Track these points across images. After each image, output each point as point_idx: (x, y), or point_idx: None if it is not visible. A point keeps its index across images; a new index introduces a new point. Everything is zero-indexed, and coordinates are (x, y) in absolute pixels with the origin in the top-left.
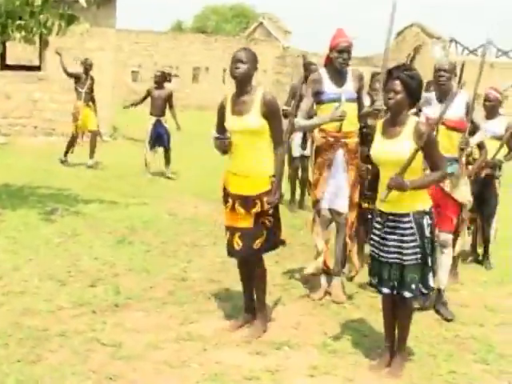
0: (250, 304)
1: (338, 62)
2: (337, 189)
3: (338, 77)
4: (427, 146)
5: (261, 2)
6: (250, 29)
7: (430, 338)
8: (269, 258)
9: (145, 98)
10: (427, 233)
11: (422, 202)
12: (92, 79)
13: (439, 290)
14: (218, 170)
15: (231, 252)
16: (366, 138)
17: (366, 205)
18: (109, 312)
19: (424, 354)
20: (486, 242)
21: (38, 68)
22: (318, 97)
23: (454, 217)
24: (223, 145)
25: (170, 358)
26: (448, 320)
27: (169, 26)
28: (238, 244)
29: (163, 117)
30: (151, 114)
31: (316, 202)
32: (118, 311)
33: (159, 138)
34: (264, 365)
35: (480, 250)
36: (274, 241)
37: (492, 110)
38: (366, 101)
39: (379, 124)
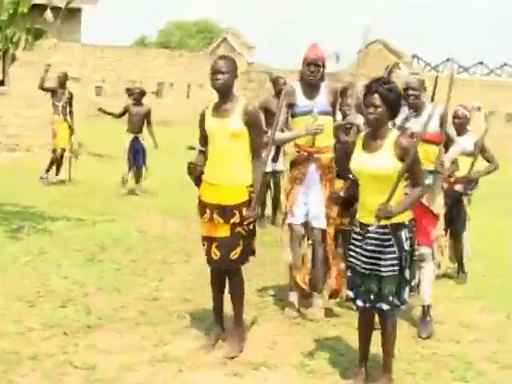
0: (220, 317)
1: (306, 74)
2: (311, 204)
3: (311, 90)
4: (411, 165)
5: (225, 17)
6: (213, 44)
7: (407, 355)
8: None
9: (122, 114)
10: (406, 246)
11: (402, 214)
12: (70, 93)
13: (423, 307)
14: (184, 186)
15: (210, 262)
16: (339, 152)
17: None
18: (81, 333)
19: (402, 372)
20: (459, 259)
21: (1, 83)
22: (291, 109)
23: (431, 229)
24: (195, 170)
25: (145, 381)
26: (420, 337)
27: (132, 40)
28: (215, 254)
29: (140, 134)
30: (128, 131)
31: (285, 216)
32: (90, 332)
33: (135, 155)
34: None
35: (452, 265)
36: (249, 251)
37: (461, 127)
38: (338, 115)
39: (360, 137)
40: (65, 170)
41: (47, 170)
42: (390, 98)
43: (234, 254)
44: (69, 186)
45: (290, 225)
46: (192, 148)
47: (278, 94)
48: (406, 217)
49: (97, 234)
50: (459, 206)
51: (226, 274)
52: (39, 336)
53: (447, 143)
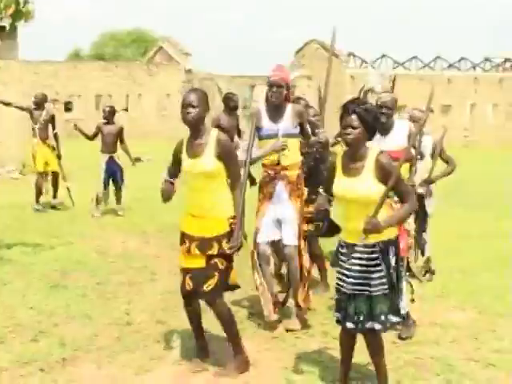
0: (202, 345)
1: (269, 95)
2: (283, 222)
3: (276, 113)
4: (395, 184)
5: (159, 26)
6: (150, 53)
7: (391, 362)
8: None
9: (95, 135)
10: (393, 262)
11: (388, 231)
12: (51, 115)
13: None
14: (137, 201)
15: (182, 292)
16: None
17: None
18: (58, 368)
19: (389, 380)
20: (427, 258)
21: None
22: (257, 132)
23: (402, 243)
24: (169, 190)
25: None
26: (401, 338)
27: (66, 55)
28: (188, 285)
29: (115, 153)
30: (103, 152)
31: (255, 234)
32: (66, 365)
33: (113, 175)
34: None
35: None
36: (226, 282)
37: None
38: None
39: (338, 159)
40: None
41: (37, 200)
42: (367, 119)
43: (208, 286)
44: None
45: (258, 244)
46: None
47: (230, 109)
48: (392, 233)
49: (57, 259)
50: (421, 208)
51: (197, 302)
52: (15, 375)
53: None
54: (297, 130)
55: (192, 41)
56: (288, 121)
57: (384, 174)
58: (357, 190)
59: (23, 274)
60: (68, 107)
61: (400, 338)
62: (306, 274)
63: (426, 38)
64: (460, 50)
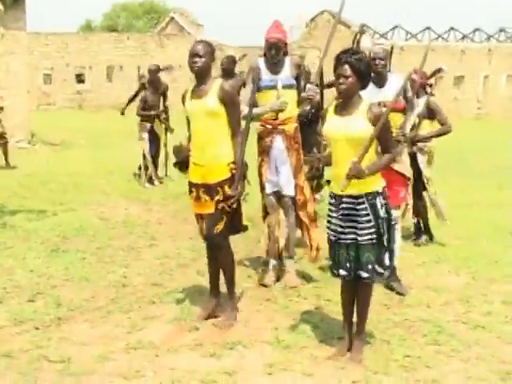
0: (214, 289)
1: (268, 55)
2: (280, 173)
3: (275, 65)
4: (382, 131)
5: None
6: (161, 24)
7: (379, 323)
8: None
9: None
10: (381, 213)
11: (375, 183)
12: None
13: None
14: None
15: (202, 236)
16: (313, 122)
17: None
18: (52, 326)
19: (377, 340)
20: (424, 219)
21: None
22: (256, 84)
23: (401, 190)
24: (180, 150)
25: (123, 369)
26: (401, 294)
27: (78, 26)
28: (203, 229)
29: (155, 122)
30: (145, 121)
31: (262, 189)
32: (61, 325)
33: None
34: (220, 367)
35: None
36: (234, 225)
37: (416, 92)
38: None
39: (331, 107)
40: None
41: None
42: (360, 68)
43: (217, 229)
44: (26, 178)
45: (265, 195)
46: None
47: (226, 74)
48: (379, 185)
49: (59, 225)
50: (416, 167)
51: (213, 248)
52: (10, 332)
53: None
54: (294, 82)
55: (204, 12)
56: (287, 72)
57: (375, 120)
58: (345, 127)
59: (25, 238)
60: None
61: (398, 293)
62: (310, 223)
63: (439, 9)
64: (475, 21)
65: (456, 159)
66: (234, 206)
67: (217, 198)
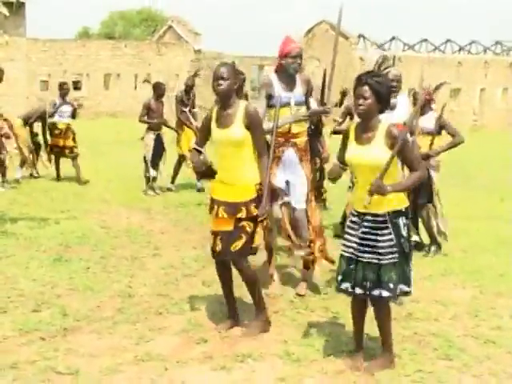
0: (232, 308)
1: (292, 67)
2: (292, 186)
3: (288, 82)
4: (403, 151)
5: (167, 6)
6: (159, 32)
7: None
8: (213, 265)
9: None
10: (404, 232)
11: (398, 201)
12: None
13: None
14: (141, 178)
15: (213, 254)
16: (314, 135)
17: None
18: (59, 337)
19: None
20: (430, 233)
21: None
22: (270, 100)
23: None
24: (198, 159)
25: (132, 382)
26: (398, 305)
27: (75, 33)
28: (217, 246)
29: (162, 130)
30: (151, 129)
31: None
32: (68, 335)
33: (158, 153)
34: (231, 380)
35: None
36: (252, 246)
37: (421, 108)
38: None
39: (351, 130)
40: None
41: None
42: (379, 91)
43: (235, 247)
44: (26, 185)
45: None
46: (147, 81)
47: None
48: (402, 204)
49: (61, 233)
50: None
51: (229, 265)
52: (16, 343)
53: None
54: (304, 99)
55: (201, 21)
56: (299, 89)
57: (394, 142)
58: (367, 156)
59: (27, 247)
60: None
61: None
62: (319, 231)
63: (436, 21)
64: (471, 34)
65: (455, 170)
66: (252, 223)
67: (239, 215)
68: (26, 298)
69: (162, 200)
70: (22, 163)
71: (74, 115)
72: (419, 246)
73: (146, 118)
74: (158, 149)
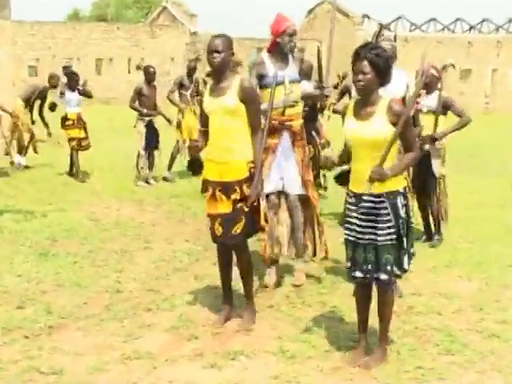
0: (229, 294)
1: (289, 45)
2: (286, 172)
3: (281, 61)
4: (404, 130)
5: None
6: (153, 14)
7: (389, 332)
8: (206, 259)
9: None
10: (402, 213)
11: (396, 182)
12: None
13: None
14: (133, 168)
15: (214, 238)
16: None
17: None
18: (43, 335)
19: (387, 350)
20: (435, 221)
21: None
22: (262, 80)
23: None
24: (196, 149)
25: (118, 381)
26: (398, 297)
27: (65, 15)
28: (218, 230)
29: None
30: (143, 115)
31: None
32: (53, 333)
33: (151, 140)
34: (222, 379)
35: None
36: (252, 226)
37: (428, 86)
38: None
39: (350, 106)
40: None
41: (169, 168)
42: (378, 64)
43: (236, 229)
44: (12, 175)
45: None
46: (139, 67)
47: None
48: (400, 184)
49: (48, 226)
50: (429, 166)
51: (230, 250)
52: None
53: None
54: (299, 77)
55: (197, 1)
56: (292, 67)
57: (396, 119)
58: (367, 131)
59: (12, 241)
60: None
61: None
62: (318, 223)
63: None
64: (482, 11)
65: (465, 156)
66: (255, 203)
67: (233, 197)
68: (9, 295)
69: (155, 191)
70: (21, 149)
71: (89, 95)
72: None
73: (137, 103)
74: (151, 136)
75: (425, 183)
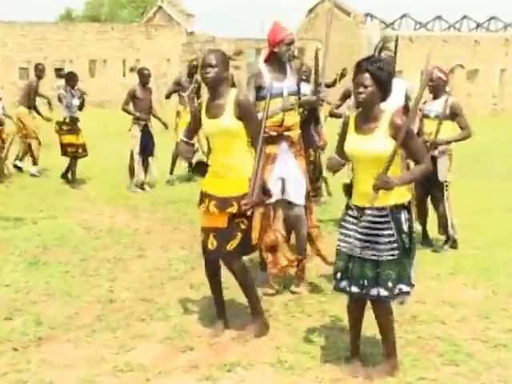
0: (220, 308)
1: (287, 55)
2: (289, 181)
3: (279, 71)
4: (407, 142)
5: None
6: (148, 14)
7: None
8: (203, 267)
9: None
10: (405, 228)
11: (400, 195)
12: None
13: None
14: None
15: (205, 252)
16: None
17: None
18: (32, 347)
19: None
20: (444, 227)
21: None
22: (260, 92)
23: None
24: (186, 150)
25: None
26: (400, 304)
27: (57, 16)
28: (212, 244)
29: (150, 121)
30: (137, 119)
31: None
32: (42, 345)
33: (145, 145)
34: None
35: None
36: (248, 244)
37: (435, 90)
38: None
39: (351, 119)
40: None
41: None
42: (380, 78)
43: (231, 246)
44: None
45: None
46: (133, 69)
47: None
48: (404, 198)
49: (38, 234)
50: (434, 171)
51: (218, 264)
52: None
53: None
54: (297, 88)
55: (194, 1)
56: (291, 79)
57: (397, 132)
58: (369, 148)
59: (1, 249)
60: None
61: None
62: (316, 233)
63: None
64: (490, 9)
65: (471, 160)
66: (247, 220)
67: (229, 210)
68: None
69: (150, 197)
70: (25, 154)
71: (81, 107)
72: (427, 242)
73: (131, 106)
74: (147, 140)
75: (431, 190)
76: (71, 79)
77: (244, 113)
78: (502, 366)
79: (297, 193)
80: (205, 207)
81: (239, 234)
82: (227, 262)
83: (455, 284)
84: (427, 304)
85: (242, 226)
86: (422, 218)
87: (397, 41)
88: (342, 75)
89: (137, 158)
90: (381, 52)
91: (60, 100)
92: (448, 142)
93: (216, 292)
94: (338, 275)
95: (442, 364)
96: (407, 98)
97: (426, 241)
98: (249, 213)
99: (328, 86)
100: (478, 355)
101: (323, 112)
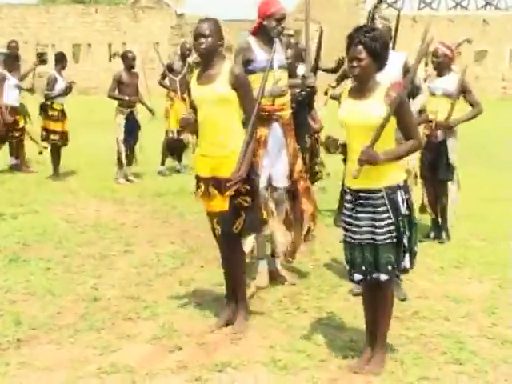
0: (230, 290)
1: (276, 30)
2: (276, 165)
3: (268, 44)
4: (399, 112)
5: None
6: None
7: (391, 339)
8: (192, 262)
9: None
10: (402, 209)
11: (395, 174)
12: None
13: None
14: (114, 164)
15: (215, 237)
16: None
17: None
18: (11, 349)
19: (388, 359)
20: (443, 212)
21: None
22: (248, 65)
23: None
24: (187, 122)
25: None
26: (401, 300)
27: None
28: (217, 230)
29: (135, 107)
30: (122, 106)
31: None
32: (22, 347)
33: (130, 133)
34: None
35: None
36: (255, 222)
37: (440, 67)
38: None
39: (345, 91)
40: None
41: (163, 162)
42: (375, 48)
43: (236, 228)
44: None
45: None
46: (116, 54)
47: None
48: (400, 177)
49: (19, 230)
50: (442, 153)
51: (228, 248)
52: None
53: (413, 92)
54: (286, 62)
55: None
56: (281, 52)
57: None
58: (363, 112)
59: None
60: (42, 59)
61: (399, 299)
62: (307, 218)
63: None
64: None
65: (479, 147)
66: (248, 196)
67: (227, 193)
68: None
69: (138, 189)
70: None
71: (67, 92)
72: (437, 232)
73: (116, 92)
74: (132, 128)
75: (439, 174)
76: (63, 59)
77: (241, 84)
78: (509, 364)
79: (281, 176)
80: (201, 192)
81: (242, 213)
82: (231, 246)
83: (460, 278)
84: (430, 299)
85: (245, 204)
86: (434, 205)
87: (398, 18)
88: (340, 63)
89: (122, 146)
90: (374, 19)
91: (49, 84)
92: (459, 122)
93: (229, 276)
94: (348, 266)
95: (446, 362)
96: (407, 70)
97: (436, 229)
98: (244, 190)
99: (333, 70)
100: (483, 353)
101: (321, 97)
